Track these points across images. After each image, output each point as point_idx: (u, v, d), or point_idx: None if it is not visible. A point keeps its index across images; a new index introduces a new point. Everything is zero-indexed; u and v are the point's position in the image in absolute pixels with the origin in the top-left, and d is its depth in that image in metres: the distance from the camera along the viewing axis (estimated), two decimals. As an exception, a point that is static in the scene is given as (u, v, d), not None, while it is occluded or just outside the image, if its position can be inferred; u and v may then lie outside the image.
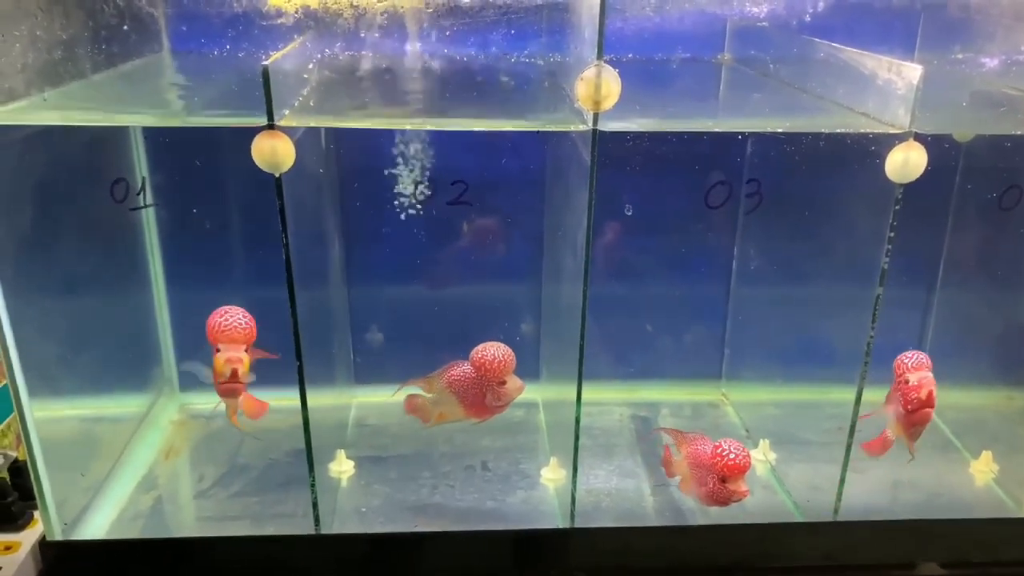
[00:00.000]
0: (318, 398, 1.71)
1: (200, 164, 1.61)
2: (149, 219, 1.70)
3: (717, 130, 1.24)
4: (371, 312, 1.87)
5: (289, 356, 1.32)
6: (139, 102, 1.39)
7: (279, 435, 1.65)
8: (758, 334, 1.84)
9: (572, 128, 1.17)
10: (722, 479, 1.31)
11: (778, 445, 1.73)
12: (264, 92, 1.12)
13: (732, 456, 1.30)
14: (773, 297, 1.80)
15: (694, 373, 1.95)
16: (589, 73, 1.13)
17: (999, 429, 1.79)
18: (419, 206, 1.69)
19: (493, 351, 1.38)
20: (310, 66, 1.29)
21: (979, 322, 1.81)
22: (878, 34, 1.59)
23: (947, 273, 1.81)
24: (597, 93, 1.13)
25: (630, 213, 1.54)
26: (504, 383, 1.39)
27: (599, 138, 1.16)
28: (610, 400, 1.92)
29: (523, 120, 1.22)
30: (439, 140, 1.62)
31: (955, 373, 1.86)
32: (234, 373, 1.27)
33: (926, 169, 1.21)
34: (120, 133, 1.59)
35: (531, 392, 1.89)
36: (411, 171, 1.65)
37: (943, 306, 1.85)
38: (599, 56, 1.12)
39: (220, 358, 1.27)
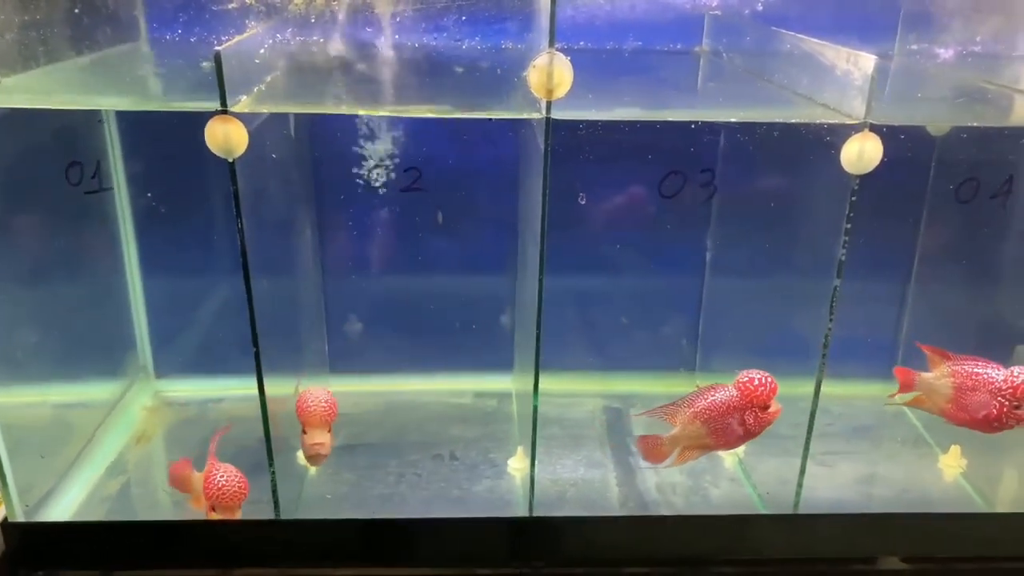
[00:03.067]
0: (283, 386, 1.72)
1: (175, 149, 1.62)
2: (123, 204, 1.71)
3: (669, 119, 1.23)
4: (346, 301, 1.88)
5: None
6: (104, 88, 1.39)
7: (252, 422, 1.66)
8: (731, 326, 1.84)
9: (524, 116, 1.17)
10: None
11: (747, 438, 1.73)
12: (216, 77, 1.12)
13: None
14: (746, 289, 1.80)
15: (668, 365, 1.95)
16: (541, 61, 1.12)
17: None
18: (390, 194, 1.69)
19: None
20: (262, 51, 1.28)
21: (954, 316, 1.80)
22: (859, 26, 1.59)
23: (921, 266, 1.80)
24: (549, 81, 1.13)
25: (584, 202, 1.53)
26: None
27: (553, 126, 1.16)
28: (583, 391, 1.92)
29: (477, 108, 1.22)
30: (414, 128, 1.62)
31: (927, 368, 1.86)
32: None
33: (885, 161, 1.20)
34: (93, 118, 1.60)
35: (505, 382, 1.91)
36: (384, 159, 1.65)
37: (918, 299, 1.84)
38: (551, 44, 1.12)
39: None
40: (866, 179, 1.58)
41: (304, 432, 1.40)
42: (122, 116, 1.62)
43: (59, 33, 1.39)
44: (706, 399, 1.36)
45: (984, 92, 1.44)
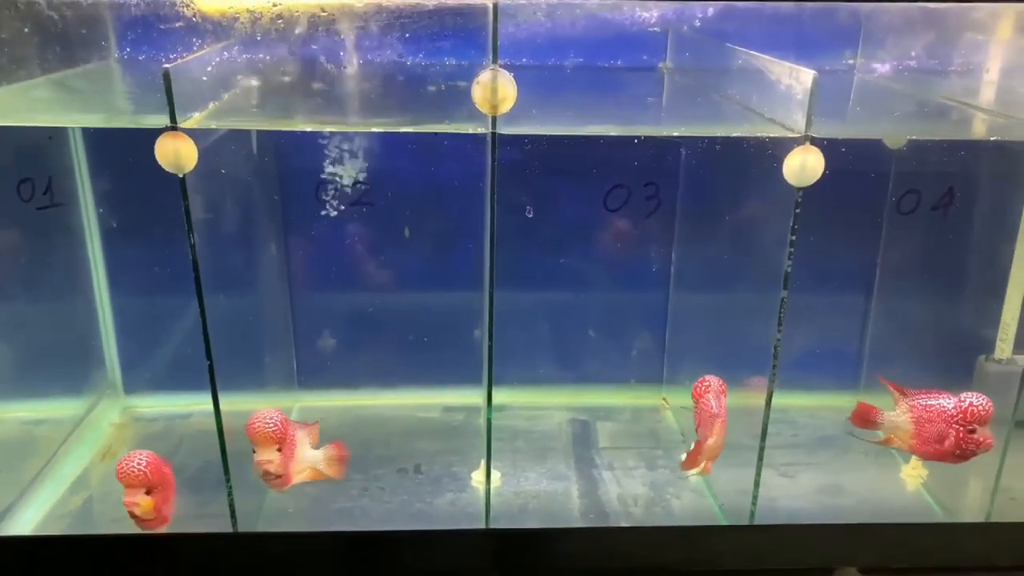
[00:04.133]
0: (250, 401, 1.73)
1: (141, 165, 1.63)
2: (90, 220, 1.72)
3: (612, 134, 1.25)
4: (314, 316, 1.89)
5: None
6: (66, 106, 1.41)
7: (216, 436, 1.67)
8: (697, 339, 1.85)
9: (469, 130, 1.19)
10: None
11: (712, 449, 1.73)
12: (166, 94, 1.14)
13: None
14: (710, 302, 1.81)
15: (636, 378, 1.96)
16: (484, 77, 1.14)
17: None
18: (357, 209, 1.71)
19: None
20: (217, 69, 1.30)
21: (917, 327, 1.81)
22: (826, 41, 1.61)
23: (883, 278, 1.81)
24: (493, 96, 1.15)
25: (531, 216, 1.55)
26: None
27: (521, 141, 1.18)
28: (551, 404, 1.93)
29: (424, 123, 1.23)
30: (380, 142, 1.64)
31: (892, 378, 1.87)
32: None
33: (844, 174, 1.22)
34: (60, 136, 1.62)
35: (474, 396, 1.92)
36: (350, 175, 1.67)
37: (880, 311, 1.85)
38: (494, 60, 1.14)
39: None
40: (827, 192, 1.61)
41: (254, 451, 1.41)
42: (87, 133, 1.64)
43: (26, 52, 1.41)
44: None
45: (941, 107, 1.46)
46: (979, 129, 1.42)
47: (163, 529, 1.41)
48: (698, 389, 1.47)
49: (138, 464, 1.34)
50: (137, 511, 1.34)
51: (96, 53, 1.60)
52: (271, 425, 1.38)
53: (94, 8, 1.30)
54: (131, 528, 1.51)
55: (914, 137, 1.35)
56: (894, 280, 1.80)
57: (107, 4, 1.32)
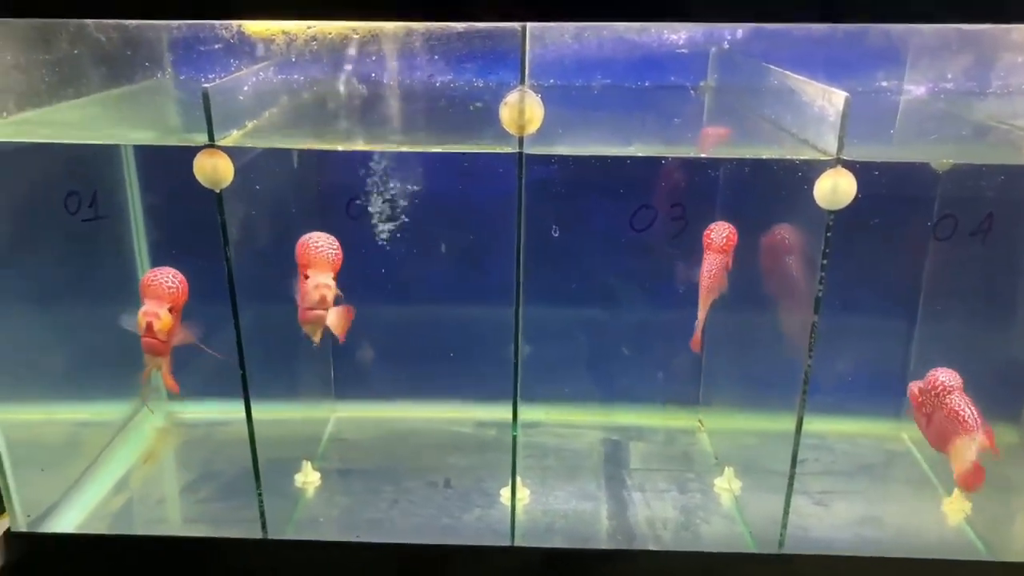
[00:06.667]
0: (287, 411, 1.77)
1: (187, 180, 1.69)
2: (139, 231, 1.79)
3: (639, 155, 1.25)
4: (352, 328, 1.92)
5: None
6: (115, 123, 1.47)
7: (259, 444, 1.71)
8: (734, 360, 1.83)
9: (498, 150, 1.20)
10: None
11: (746, 474, 1.71)
12: (204, 113, 1.18)
13: None
14: (748, 323, 1.79)
15: (672, 398, 1.94)
16: (512, 98, 1.16)
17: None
18: (395, 224, 1.73)
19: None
20: (263, 87, 1.35)
21: (962, 353, 1.76)
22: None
23: (927, 304, 1.76)
24: (521, 117, 1.16)
25: (556, 234, 1.56)
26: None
27: (559, 160, 1.19)
28: (584, 423, 1.92)
29: (454, 142, 1.25)
30: (416, 159, 1.67)
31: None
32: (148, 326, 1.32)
33: (888, 197, 1.20)
34: (111, 151, 1.68)
35: (507, 412, 1.92)
36: (388, 190, 1.70)
37: (924, 337, 1.80)
38: (522, 81, 1.15)
39: (140, 311, 1.32)
40: (871, 214, 1.58)
41: (306, 277, 1.32)
42: (138, 148, 1.70)
43: (83, 70, 1.47)
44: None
45: (983, 128, 1.42)
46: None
47: (164, 363, 1.39)
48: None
49: (173, 279, 1.32)
50: (156, 324, 1.30)
51: (142, 73, 1.67)
52: (331, 248, 1.31)
53: (140, 31, 1.35)
54: (167, 530, 1.56)
55: (953, 160, 1.31)
56: (939, 305, 1.75)
57: (153, 27, 1.37)
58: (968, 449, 1.38)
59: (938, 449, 1.45)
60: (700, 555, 1.45)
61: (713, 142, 1.37)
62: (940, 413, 1.40)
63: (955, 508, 1.61)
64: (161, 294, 1.32)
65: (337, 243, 1.32)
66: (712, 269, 1.48)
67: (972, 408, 1.39)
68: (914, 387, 1.45)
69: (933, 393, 1.40)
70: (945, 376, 1.41)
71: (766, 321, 1.72)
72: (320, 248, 1.30)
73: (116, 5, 1.20)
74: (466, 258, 1.81)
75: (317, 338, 1.40)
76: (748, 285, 1.72)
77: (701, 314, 1.52)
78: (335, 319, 1.42)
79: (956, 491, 1.62)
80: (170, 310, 1.32)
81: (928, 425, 1.44)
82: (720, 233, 1.47)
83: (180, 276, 1.35)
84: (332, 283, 1.30)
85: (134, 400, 1.87)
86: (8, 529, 1.45)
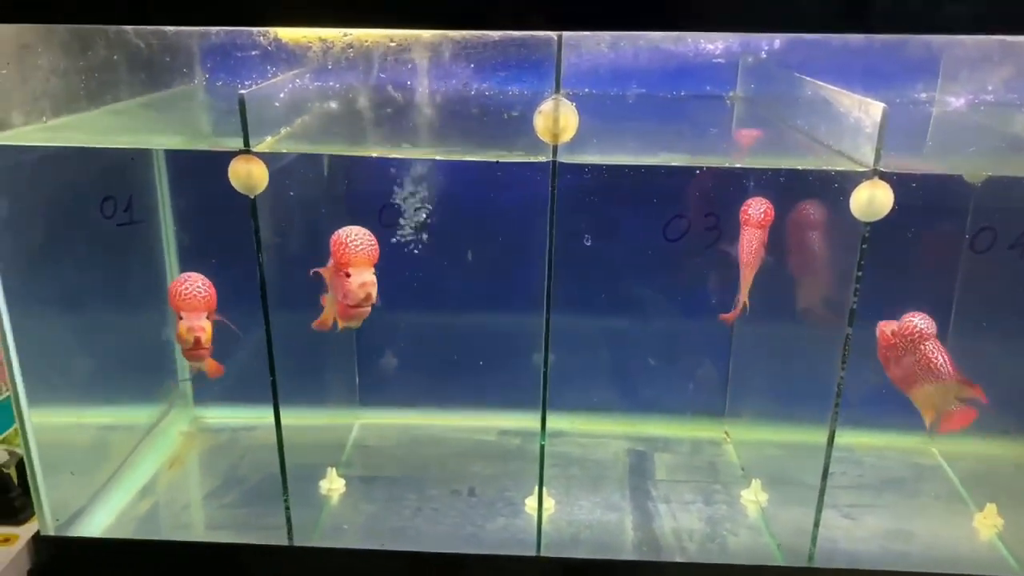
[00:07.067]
0: (313, 417, 1.77)
1: (219, 185, 1.70)
2: (169, 236, 1.80)
3: (674, 164, 1.24)
4: (378, 336, 1.92)
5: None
6: (146, 128, 1.48)
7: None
8: (761, 372, 1.81)
9: (531, 159, 1.20)
10: None
11: (773, 486, 1.69)
12: (240, 119, 1.19)
13: None
14: (775, 334, 1.77)
15: (698, 409, 1.93)
16: (547, 107, 1.16)
17: (1013, 481, 1.70)
18: (423, 232, 1.74)
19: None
20: (295, 95, 1.35)
21: (994, 369, 1.73)
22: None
23: (959, 317, 1.74)
24: (555, 126, 1.16)
25: (589, 243, 1.55)
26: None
27: (589, 169, 1.19)
28: (609, 433, 1.91)
29: (487, 150, 1.25)
30: (442, 169, 1.67)
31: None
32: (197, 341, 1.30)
33: (922, 209, 1.18)
34: (144, 156, 1.70)
35: (530, 420, 1.92)
36: (415, 198, 1.70)
37: (955, 351, 1.77)
38: (557, 90, 1.15)
39: (183, 326, 1.32)
40: (904, 226, 1.56)
41: (347, 276, 1.28)
42: (169, 154, 1.72)
43: (119, 76, 1.48)
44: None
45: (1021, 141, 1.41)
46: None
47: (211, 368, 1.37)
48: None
49: (203, 287, 1.28)
50: (204, 337, 1.28)
51: (180, 79, 1.69)
52: (370, 242, 1.27)
53: (177, 37, 1.36)
54: (192, 536, 1.57)
55: (990, 173, 1.30)
56: (971, 319, 1.73)
57: (189, 33, 1.38)
58: (943, 397, 1.37)
59: (901, 389, 1.43)
60: (727, 567, 1.43)
61: (747, 142, 1.36)
62: (911, 358, 1.38)
63: (987, 523, 1.59)
64: (197, 304, 1.31)
65: (372, 237, 1.30)
66: (752, 244, 1.46)
67: (945, 356, 1.37)
68: (886, 328, 1.42)
69: (908, 338, 1.38)
70: (922, 322, 1.38)
71: (793, 333, 1.71)
72: (360, 247, 1.28)
73: (151, 11, 1.21)
74: (494, 266, 1.80)
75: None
76: (776, 296, 1.71)
77: (744, 289, 1.52)
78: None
79: (988, 506, 1.60)
80: (208, 316, 1.32)
81: (896, 366, 1.42)
82: (758, 208, 1.45)
83: (206, 280, 1.35)
84: (374, 279, 1.28)
85: (159, 404, 1.88)
86: (37, 532, 1.46)
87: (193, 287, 1.31)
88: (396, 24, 1.17)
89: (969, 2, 1.12)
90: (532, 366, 1.88)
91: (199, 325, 1.30)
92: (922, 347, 1.36)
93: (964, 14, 1.12)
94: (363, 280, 1.27)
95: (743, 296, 1.52)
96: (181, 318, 1.32)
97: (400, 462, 1.81)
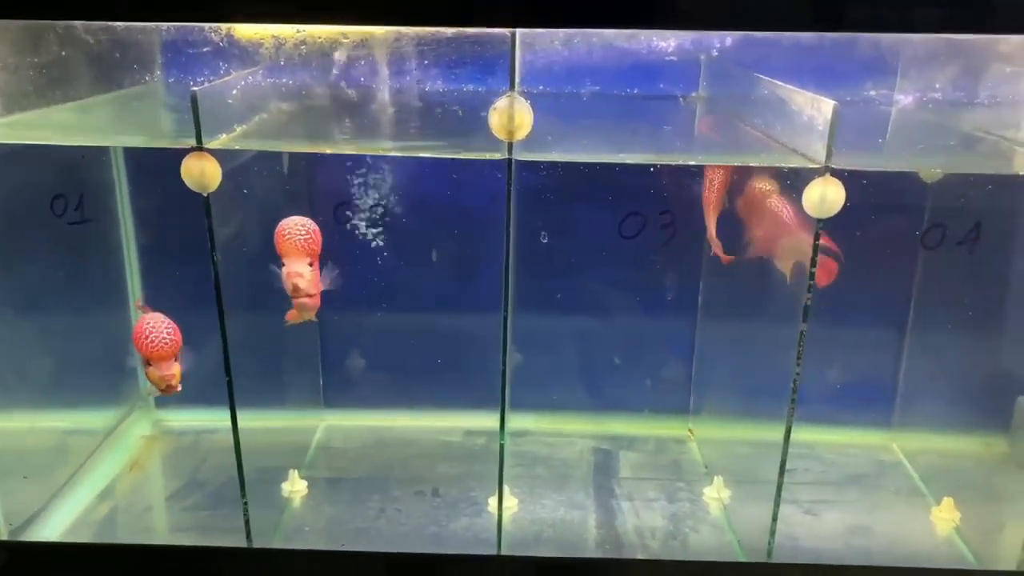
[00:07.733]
0: (275, 419, 1.76)
1: (177, 183, 1.69)
2: (128, 235, 1.77)
3: (628, 162, 1.25)
4: (342, 336, 1.91)
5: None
6: (101, 126, 1.46)
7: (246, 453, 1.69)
8: (724, 370, 1.82)
9: (487, 156, 1.20)
10: None
11: (735, 483, 1.70)
12: (193, 116, 1.18)
13: None
14: (737, 333, 1.79)
15: (662, 407, 1.93)
16: (501, 103, 1.16)
17: (971, 476, 1.73)
18: (386, 230, 1.73)
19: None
20: (236, 92, 1.34)
21: (953, 365, 1.76)
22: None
23: (918, 314, 1.77)
24: (510, 123, 1.16)
25: (545, 241, 1.55)
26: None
27: (550, 167, 1.19)
28: (574, 431, 1.92)
29: (443, 147, 1.25)
30: (399, 167, 1.67)
31: (928, 416, 1.81)
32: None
33: (880, 206, 1.19)
34: (100, 154, 1.68)
35: (496, 420, 1.91)
36: (369, 197, 1.69)
37: (914, 348, 1.80)
38: (512, 87, 1.15)
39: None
40: (861, 224, 1.58)
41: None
42: (128, 152, 1.70)
43: (72, 73, 1.47)
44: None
45: (972, 139, 1.43)
46: (1020, 162, 1.38)
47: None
48: None
49: (167, 333, 1.27)
50: (174, 382, 1.29)
51: (132, 76, 1.67)
52: (304, 232, 1.25)
53: (128, 33, 1.35)
54: (150, 539, 1.55)
55: (939, 170, 1.31)
56: (929, 316, 1.75)
57: (142, 29, 1.36)
58: (795, 248, 1.34)
59: (767, 254, 1.43)
60: (689, 564, 1.44)
61: (708, 130, 1.36)
62: (763, 219, 1.38)
63: (944, 517, 1.61)
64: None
65: (310, 228, 1.27)
66: (713, 182, 1.43)
67: (790, 208, 1.35)
68: (739, 201, 1.43)
69: (754, 201, 1.38)
70: (761, 183, 1.38)
71: (756, 331, 1.72)
72: (289, 237, 1.27)
73: (106, 7, 1.19)
74: (455, 265, 1.80)
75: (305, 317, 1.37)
76: (738, 294, 1.72)
77: (711, 229, 1.48)
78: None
79: (945, 500, 1.62)
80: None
81: (755, 232, 1.42)
82: None
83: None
84: (306, 270, 1.26)
85: (120, 408, 1.85)
86: (-10, 537, 1.43)
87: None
88: (350, 20, 1.17)
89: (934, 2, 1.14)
90: (496, 366, 1.89)
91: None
92: (768, 204, 1.35)
93: (931, 15, 1.13)
94: (290, 270, 1.26)
95: (711, 237, 1.49)
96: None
97: (364, 463, 1.80)
